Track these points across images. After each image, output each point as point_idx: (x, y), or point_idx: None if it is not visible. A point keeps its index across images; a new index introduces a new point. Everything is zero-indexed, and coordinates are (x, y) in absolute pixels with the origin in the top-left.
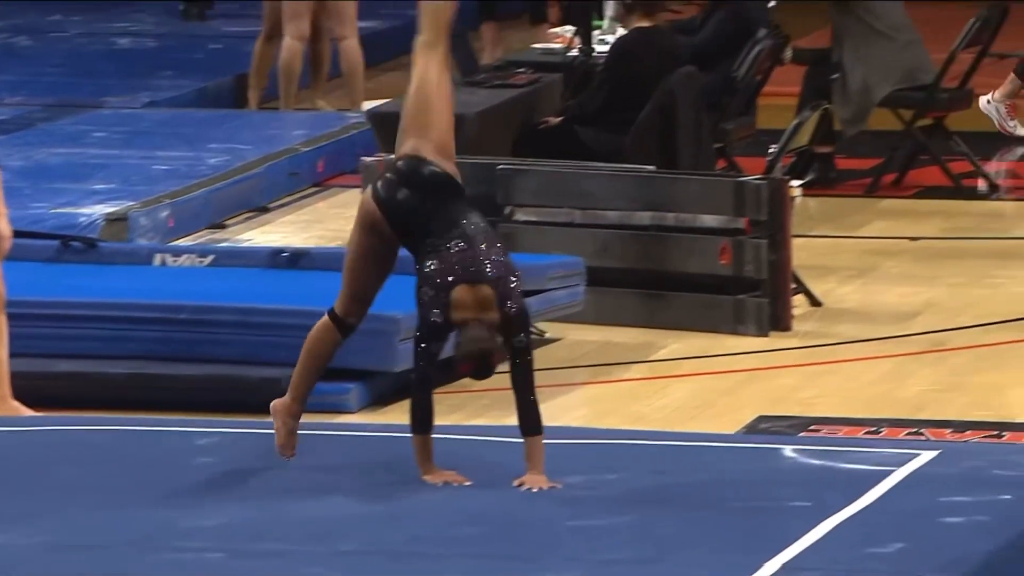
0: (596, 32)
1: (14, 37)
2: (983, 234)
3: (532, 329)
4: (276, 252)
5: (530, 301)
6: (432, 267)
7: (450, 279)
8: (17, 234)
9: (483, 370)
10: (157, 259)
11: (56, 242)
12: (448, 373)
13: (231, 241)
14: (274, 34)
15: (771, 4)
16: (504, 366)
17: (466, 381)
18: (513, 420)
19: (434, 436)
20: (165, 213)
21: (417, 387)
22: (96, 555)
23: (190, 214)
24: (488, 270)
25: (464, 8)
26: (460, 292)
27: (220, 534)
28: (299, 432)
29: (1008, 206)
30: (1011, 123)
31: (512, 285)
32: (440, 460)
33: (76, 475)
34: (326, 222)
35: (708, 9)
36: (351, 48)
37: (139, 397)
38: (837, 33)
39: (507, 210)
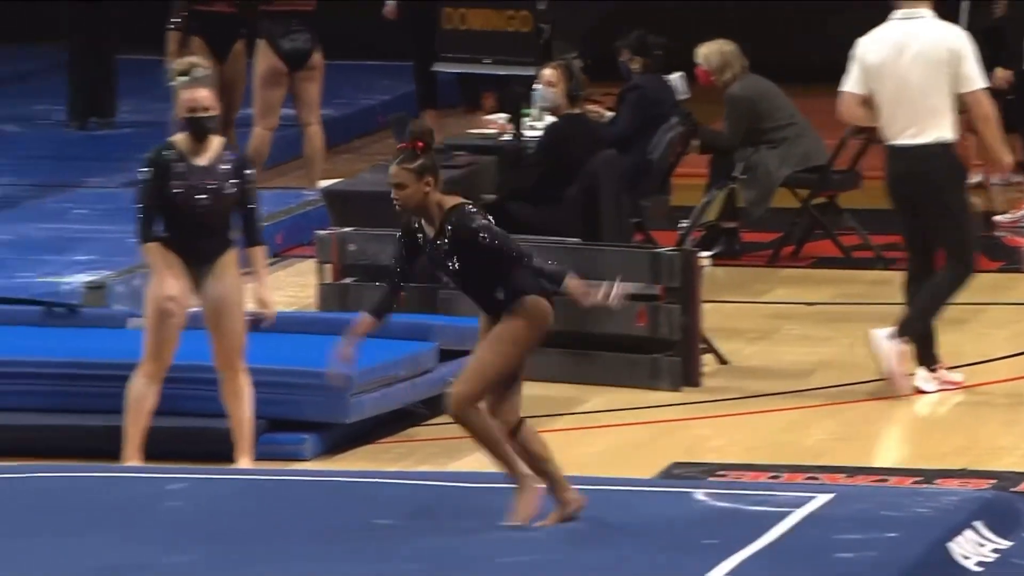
0: (526, 119)
1: (4, 124)
2: (871, 300)
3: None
4: None
5: (466, 360)
6: None
7: None
8: (4, 301)
9: None
10: (131, 323)
11: (40, 308)
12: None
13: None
14: (228, 124)
15: (681, 97)
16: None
17: (414, 431)
18: (457, 466)
19: (386, 481)
20: (139, 281)
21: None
22: None
23: None
24: None
25: (408, 96)
26: None
27: (188, 570)
28: (256, 477)
29: (893, 275)
30: None
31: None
32: (389, 505)
33: (57, 517)
34: (284, 289)
35: (618, 96)
36: (315, 133)
37: (116, 448)
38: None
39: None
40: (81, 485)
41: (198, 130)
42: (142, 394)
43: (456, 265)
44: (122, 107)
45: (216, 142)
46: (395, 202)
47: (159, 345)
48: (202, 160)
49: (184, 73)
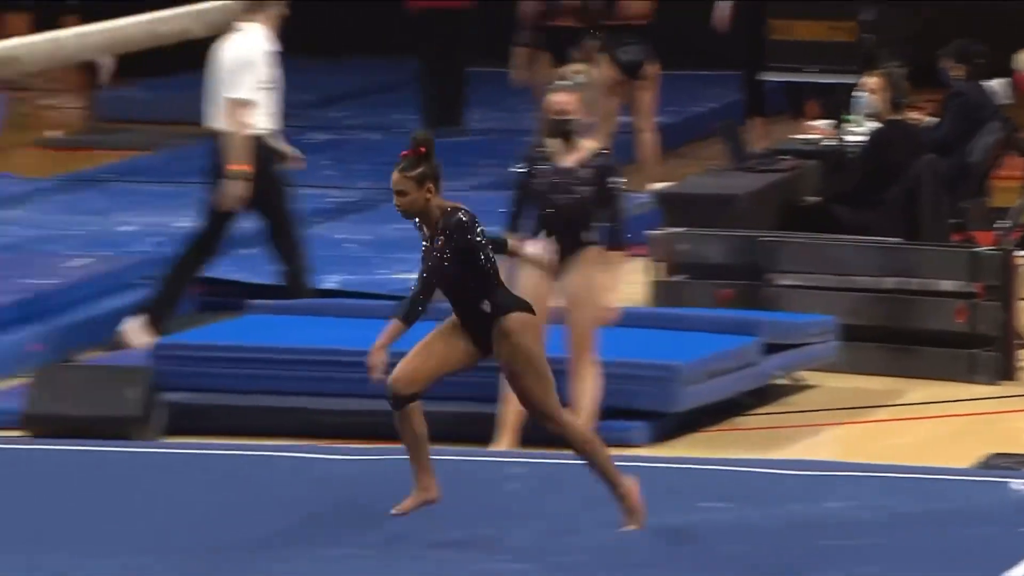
0: (848, 125)
1: (366, 132)
2: None
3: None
4: None
5: (789, 354)
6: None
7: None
8: (362, 295)
9: None
10: None
11: (395, 302)
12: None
13: None
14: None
15: (1003, 102)
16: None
17: (739, 420)
18: (780, 454)
19: (713, 467)
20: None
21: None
22: (421, 561)
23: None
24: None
25: (735, 104)
26: None
27: (526, 551)
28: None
29: None
30: None
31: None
32: (715, 490)
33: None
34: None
35: (942, 103)
36: (647, 139)
37: (466, 432)
38: None
39: (769, 276)
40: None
41: (559, 132)
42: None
43: (448, 268)
44: (471, 116)
45: (587, 146)
46: (397, 208)
47: None
48: (567, 161)
49: (563, 78)
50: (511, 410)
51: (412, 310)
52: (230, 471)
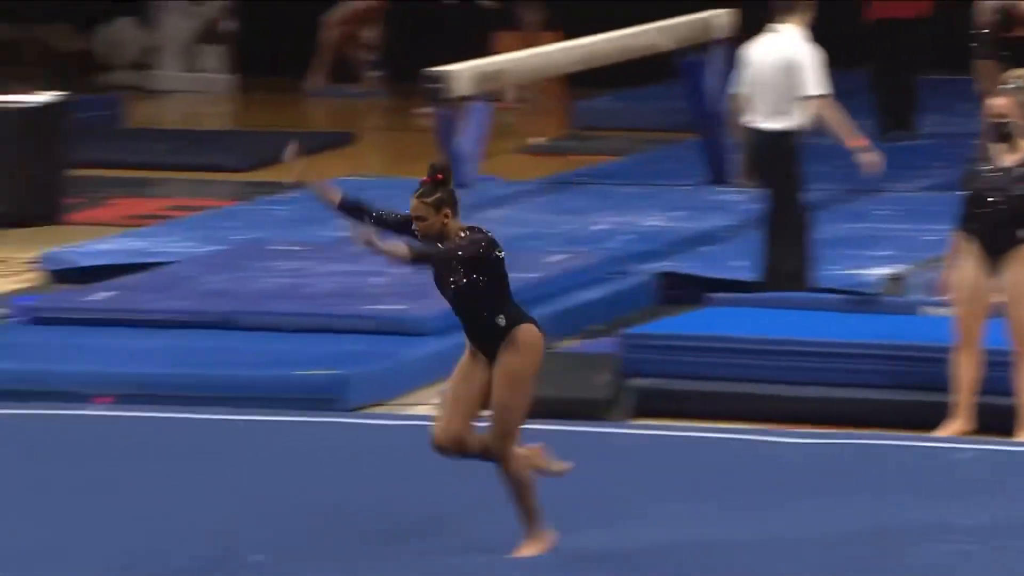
0: None
1: (823, 139)
2: None
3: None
4: None
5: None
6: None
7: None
8: (816, 289)
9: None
10: (923, 310)
11: (846, 297)
12: None
13: None
14: None
15: None
16: None
17: None
18: None
19: None
20: (933, 274)
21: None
22: (861, 548)
23: None
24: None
25: None
26: None
27: (974, 534)
28: None
29: None
30: None
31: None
32: None
33: (847, 478)
34: None
35: None
36: None
37: (898, 419)
38: None
39: None
40: (873, 451)
41: (998, 134)
42: (953, 371)
43: (462, 282)
44: (925, 121)
45: None
46: (416, 232)
47: (958, 325)
48: (1006, 162)
49: (1004, 83)
50: (964, 396)
51: (357, 208)
52: (689, 452)
